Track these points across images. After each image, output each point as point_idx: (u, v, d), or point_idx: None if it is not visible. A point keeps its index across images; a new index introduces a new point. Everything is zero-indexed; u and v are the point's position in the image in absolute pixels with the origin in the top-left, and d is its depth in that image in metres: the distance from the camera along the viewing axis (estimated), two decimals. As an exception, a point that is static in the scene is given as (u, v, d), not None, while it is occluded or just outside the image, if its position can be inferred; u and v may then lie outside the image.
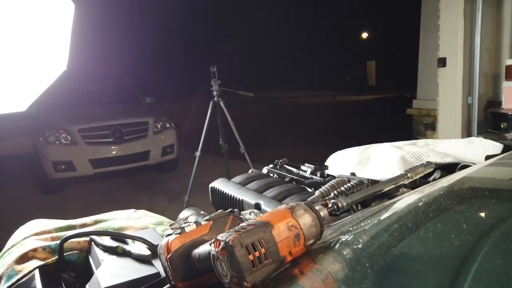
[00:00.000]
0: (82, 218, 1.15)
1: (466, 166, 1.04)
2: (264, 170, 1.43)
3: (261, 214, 0.63)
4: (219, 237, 0.52)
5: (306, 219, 0.55)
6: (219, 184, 1.27)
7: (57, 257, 0.91)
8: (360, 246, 0.53)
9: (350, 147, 1.55)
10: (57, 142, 5.19)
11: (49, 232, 1.04)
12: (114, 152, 5.38)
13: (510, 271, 0.41)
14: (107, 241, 0.92)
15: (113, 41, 18.46)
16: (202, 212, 0.82)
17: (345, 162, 1.44)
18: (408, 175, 0.75)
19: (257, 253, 0.50)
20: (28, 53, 0.86)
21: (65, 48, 0.92)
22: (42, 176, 5.28)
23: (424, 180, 1.01)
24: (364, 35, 31.16)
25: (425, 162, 0.78)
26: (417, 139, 2.38)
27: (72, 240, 0.94)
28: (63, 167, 5.13)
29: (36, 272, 0.87)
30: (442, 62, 4.34)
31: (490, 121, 3.81)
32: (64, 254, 0.92)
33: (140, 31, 20.98)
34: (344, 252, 0.52)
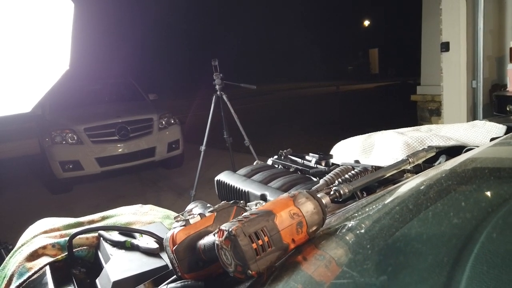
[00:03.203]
0: (90, 215, 1.16)
1: (471, 150, 1.03)
2: (269, 162, 1.44)
3: (265, 204, 0.63)
4: (222, 227, 0.52)
5: (308, 207, 0.56)
6: (225, 177, 1.27)
7: (66, 253, 0.92)
8: (363, 230, 0.54)
9: (355, 136, 1.55)
10: (64, 142, 5.23)
11: (57, 229, 1.06)
12: (120, 150, 5.41)
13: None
14: (115, 236, 0.93)
15: (114, 39, 18.46)
16: (208, 205, 0.83)
17: (349, 151, 1.44)
18: (410, 160, 0.75)
19: (260, 242, 0.51)
20: (30, 54, 0.87)
21: (66, 48, 0.92)
22: (50, 176, 5.33)
23: (429, 165, 1.01)
24: (366, 22, 30.87)
25: (427, 146, 0.78)
26: (422, 125, 2.37)
27: (81, 236, 0.95)
28: (70, 166, 5.18)
29: (47, 268, 0.88)
30: (445, 46, 4.29)
31: (495, 104, 3.77)
32: (74, 250, 0.93)
33: (141, 28, 20.96)
34: (347, 237, 0.53)
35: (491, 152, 0.74)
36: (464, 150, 1.14)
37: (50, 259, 0.92)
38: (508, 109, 3.47)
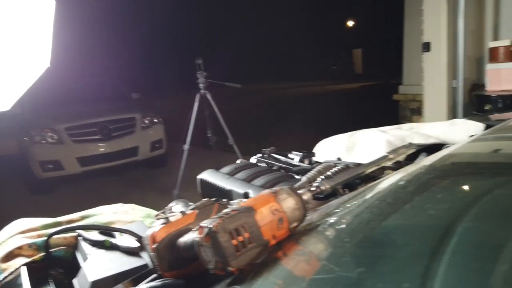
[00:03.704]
0: (69, 215, 1.14)
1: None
2: (253, 160, 1.44)
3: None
4: (203, 223, 0.52)
5: (289, 203, 0.55)
6: (208, 176, 1.26)
7: (44, 253, 0.90)
8: (343, 225, 0.54)
9: (338, 134, 1.57)
10: (43, 142, 5.13)
11: (35, 229, 1.03)
12: (102, 149, 5.33)
13: (490, 241, 0.42)
14: (94, 235, 0.92)
15: (97, 37, 18.17)
16: (190, 203, 0.82)
17: (332, 149, 1.45)
18: (390, 156, 0.76)
19: (240, 238, 0.50)
20: (9, 51, 0.85)
21: (47, 45, 0.90)
22: (30, 177, 5.23)
23: (409, 162, 1.03)
24: (350, 23, 31.20)
25: (407, 143, 0.79)
26: (403, 124, 2.40)
27: (59, 236, 0.93)
28: (50, 166, 5.08)
29: (23, 269, 0.86)
30: (426, 46, 4.36)
31: (474, 103, 3.86)
32: (51, 250, 0.91)
33: (124, 26, 20.70)
34: (328, 232, 0.53)
35: (468, 148, 0.75)
36: (443, 148, 1.16)
37: (26, 260, 0.89)
38: (486, 108, 3.55)
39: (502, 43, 3.68)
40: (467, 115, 3.96)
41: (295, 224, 0.55)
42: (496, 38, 4.11)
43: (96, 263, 0.80)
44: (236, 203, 0.82)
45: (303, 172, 1.17)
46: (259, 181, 1.14)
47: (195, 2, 24.73)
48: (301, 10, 28.02)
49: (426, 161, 0.73)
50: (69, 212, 1.25)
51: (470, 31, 4.20)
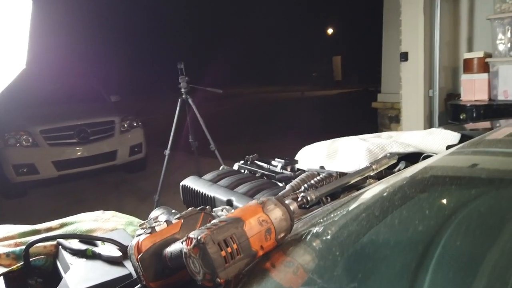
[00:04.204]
0: (47, 222, 1.11)
1: (428, 157, 1.08)
2: (235, 167, 1.44)
3: (233, 211, 0.63)
4: (191, 235, 0.52)
5: (276, 214, 0.56)
6: (190, 182, 1.26)
7: (22, 263, 0.88)
8: (329, 236, 0.55)
9: (319, 141, 1.58)
10: (18, 145, 4.99)
11: (12, 238, 1.00)
12: (79, 153, 5.23)
13: (470, 253, 0.43)
14: (75, 244, 0.90)
15: (75, 38, 17.81)
16: (173, 211, 0.81)
17: (314, 156, 1.46)
18: (373, 166, 0.78)
19: (229, 249, 0.51)
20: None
21: (23, 46, 0.88)
22: (3, 181, 5.06)
23: (389, 171, 1.05)
24: (330, 30, 31.69)
25: (388, 153, 0.81)
26: (382, 131, 2.46)
27: (38, 245, 0.91)
28: (24, 170, 4.94)
29: (0, 279, 0.83)
30: (404, 56, 4.47)
31: (450, 112, 3.98)
32: (30, 259, 0.89)
33: (103, 26, 20.38)
34: (314, 244, 0.54)
35: (449, 161, 0.78)
36: (422, 157, 1.19)
37: (4, 270, 0.87)
38: (461, 117, 3.66)
39: (476, 54, 3.81)
40: (443, 123, 4.08)
41: (282, 234, 0.56)
42: (470, 49, 4.25)
43: (78, 273, 0.78)
44: (219, 210, 0.82)
45: (285, 179, 1.18)
46: (242, 188, 1.15)
47: (177, 5, 24.59)
48: (282, 17, 28.29)
49: (407, 172, 0.75)
50: (44, 217, 1.22)
51: (446, 43, 4.33)
